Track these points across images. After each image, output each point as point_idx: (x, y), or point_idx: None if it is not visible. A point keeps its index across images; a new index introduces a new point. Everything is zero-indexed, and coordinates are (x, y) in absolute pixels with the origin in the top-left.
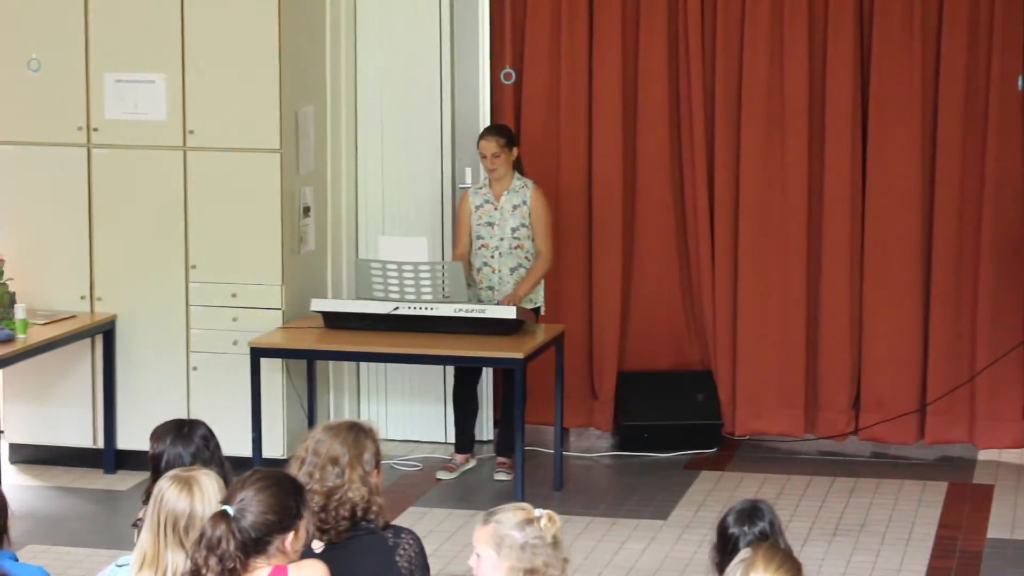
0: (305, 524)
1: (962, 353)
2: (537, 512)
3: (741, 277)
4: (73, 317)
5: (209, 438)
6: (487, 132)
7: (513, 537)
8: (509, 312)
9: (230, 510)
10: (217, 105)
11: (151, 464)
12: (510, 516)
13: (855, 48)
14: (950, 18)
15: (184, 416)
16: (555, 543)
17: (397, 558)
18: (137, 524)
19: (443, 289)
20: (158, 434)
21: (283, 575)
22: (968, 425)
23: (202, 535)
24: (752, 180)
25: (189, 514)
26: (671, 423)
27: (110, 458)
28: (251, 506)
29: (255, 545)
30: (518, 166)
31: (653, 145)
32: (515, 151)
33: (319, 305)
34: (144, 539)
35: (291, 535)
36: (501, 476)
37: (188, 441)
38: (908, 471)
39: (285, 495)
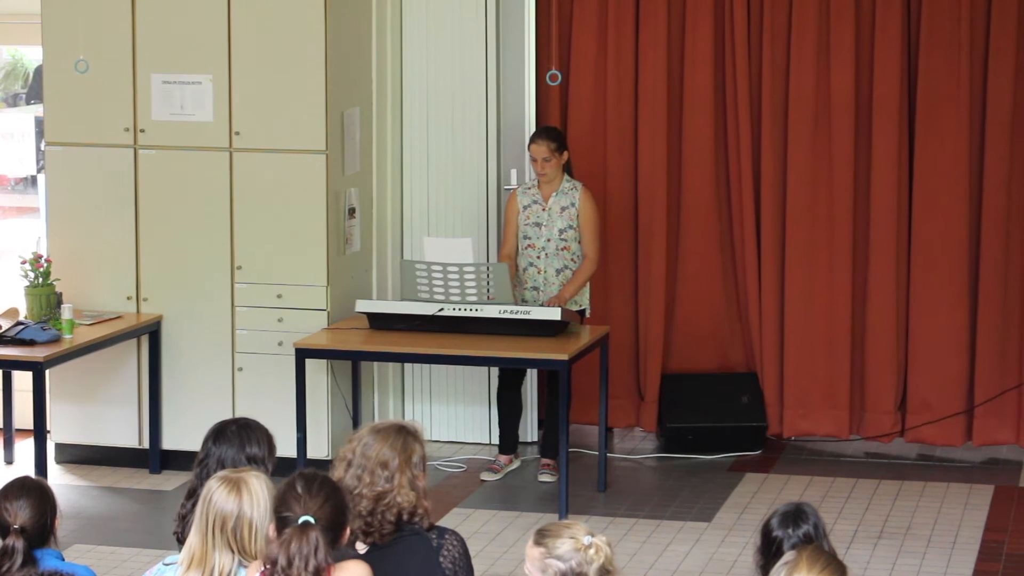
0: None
1: (1009, 354)
2: (585, 540)
3: (788, 278)
4: (119, 317)
5: (244, 446)
6: (538, 136)
7: (556, 566)
8: (554, 314)
9: (311, 519)
10: (263, 106)
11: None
12: (557, 542)
13: (902, 46)
14: (998, 15)
15: (229, 417)
16: (603, 571)
17: (441, 559)
18: (176, 534)
19: (488, 290)
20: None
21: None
22: (1015, 427)
23: (291, 552)
24: (798, 181)
25: (237, 515)
26: (715, 425)
27: (155, 458)
28: (324, 510)
29: (333, 545)
30: (568, 168)
31: (699, 147)
32: (565, 155)
33: (364, 306)
34: (192, 539)
35: (348, 530)
36: (545, 478)
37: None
38: (954, 474)
39: (338, 492)
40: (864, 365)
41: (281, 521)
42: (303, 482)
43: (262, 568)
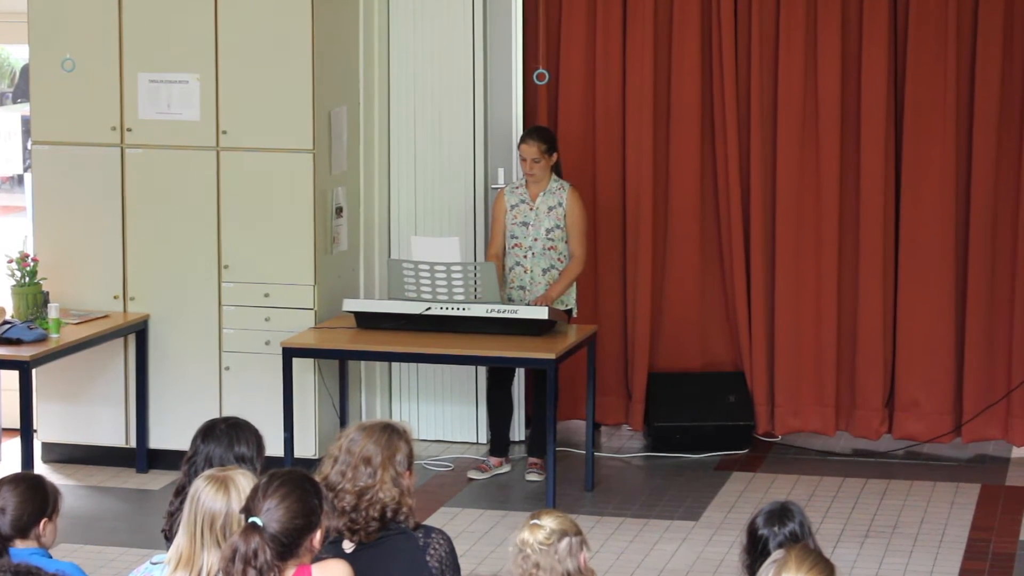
0: (326, 516)
1: (997, 351)
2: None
3: (776, 277)
4: (106, 317)
5: (231, 446)
6: (529, 135)
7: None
8: (541, 313)
9: (259, 521)
10: (250, 105)
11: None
12: (529, 535)
13: (889, 51)
14: (984, 22)
15: (216, 416)
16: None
17: (427, 558)
18: (165, 531)
19: (475, 289)
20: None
21: (307, 575)
22: (1004, 423)
23: (235, 550)
24: (786, 181)
25: (226, 514)
26: (703, 424)
27: (142, 457)
28: (278, 514)
29: (288, 550)
30: (557, 169)
31: (687, 146)
32: (555, 157)
33: (351, 305)
34: (180, 538)
35: (318, 533)
36: (533, 477)
37: (216, 444)
38: (941, 472)
39: (308, 496)
40: (853, 363)
41: (245, 516)
42: (267, 481)
43: None
